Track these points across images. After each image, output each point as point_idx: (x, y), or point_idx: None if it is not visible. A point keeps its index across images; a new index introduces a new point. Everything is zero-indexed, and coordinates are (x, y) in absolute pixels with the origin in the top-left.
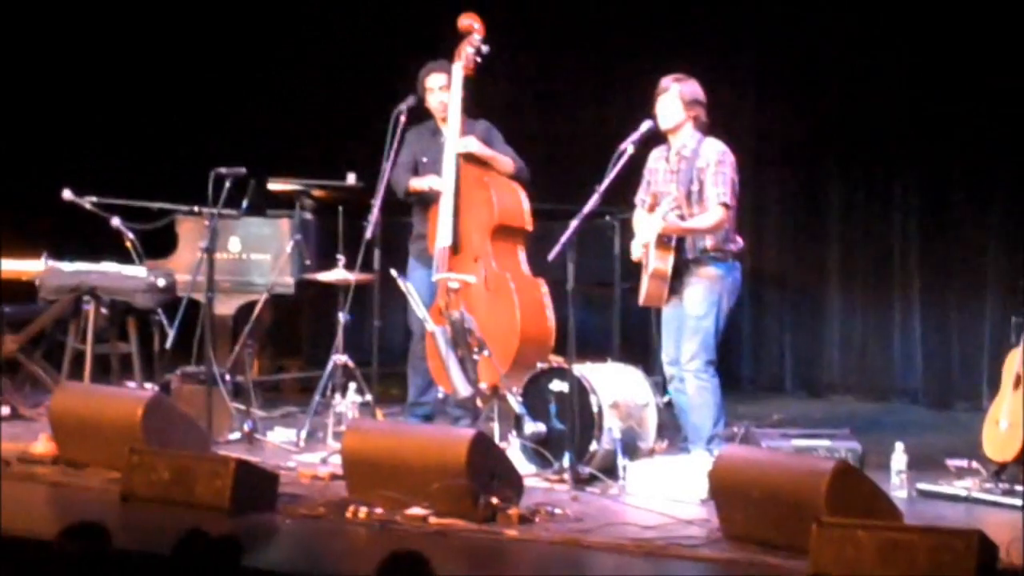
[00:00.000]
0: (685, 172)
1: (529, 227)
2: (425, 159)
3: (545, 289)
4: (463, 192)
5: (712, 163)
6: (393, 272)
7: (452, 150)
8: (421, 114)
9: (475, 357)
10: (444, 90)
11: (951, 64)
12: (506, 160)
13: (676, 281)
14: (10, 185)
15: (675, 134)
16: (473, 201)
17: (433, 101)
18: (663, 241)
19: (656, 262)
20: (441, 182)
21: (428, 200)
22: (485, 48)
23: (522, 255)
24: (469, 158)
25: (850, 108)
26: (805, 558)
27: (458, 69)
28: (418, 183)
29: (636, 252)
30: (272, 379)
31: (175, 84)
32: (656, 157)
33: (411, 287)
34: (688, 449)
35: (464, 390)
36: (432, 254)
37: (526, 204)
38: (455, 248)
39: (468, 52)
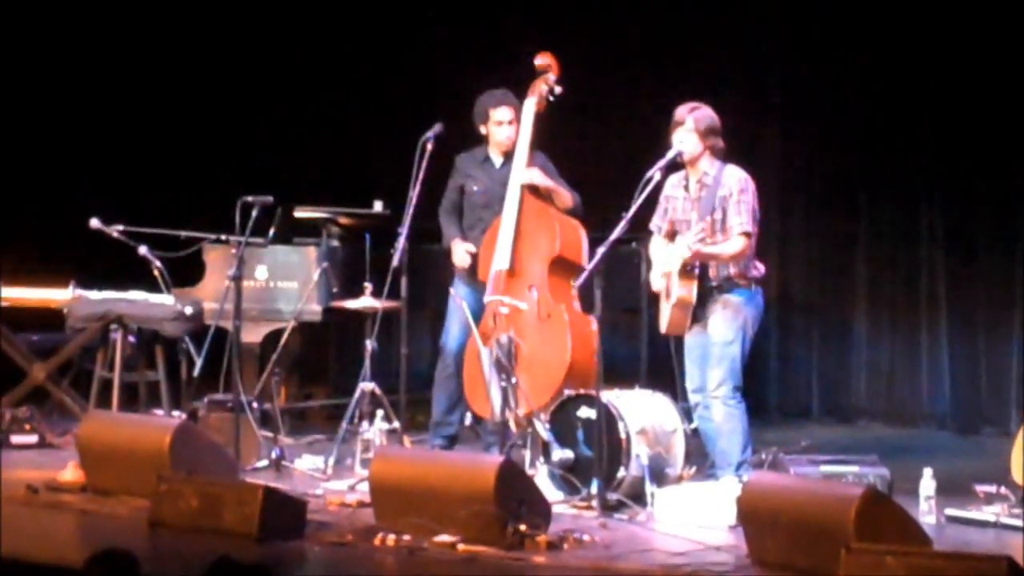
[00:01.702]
0: (707, 200)
1: (586, 264)
2: (476, 188)
3: (595, 327)
4: (524, 220)
5: (734, 192)
6: (452, 290)
7: (517, 180)
8: (450, 141)
9: (513, 381)
10: (511, 124)
11: (978, 90)
12: (566, 193)
13: (699, 309)
14: (38, 214)
15: (694, 164)
16: (535, 231)
17: (498, 132)
18: (687, 270)
19: (680, 290)
20: (466, 257)
21: (477, 226)
22: (558, 89)
23: (575, 290)
24: (532, 189)
25: (876, 134)
26: None
27: (530, 104)
28: (454, 253)
29: (656, 283)
30: (299, 406)
31: (203, 113)
32: (674, 184)
33: (465, 305)
34: (716, 476)
35: (501, 414)
36: (482, 277)
37: (585, 242)
38: (510, 273)
39: (542, 90)
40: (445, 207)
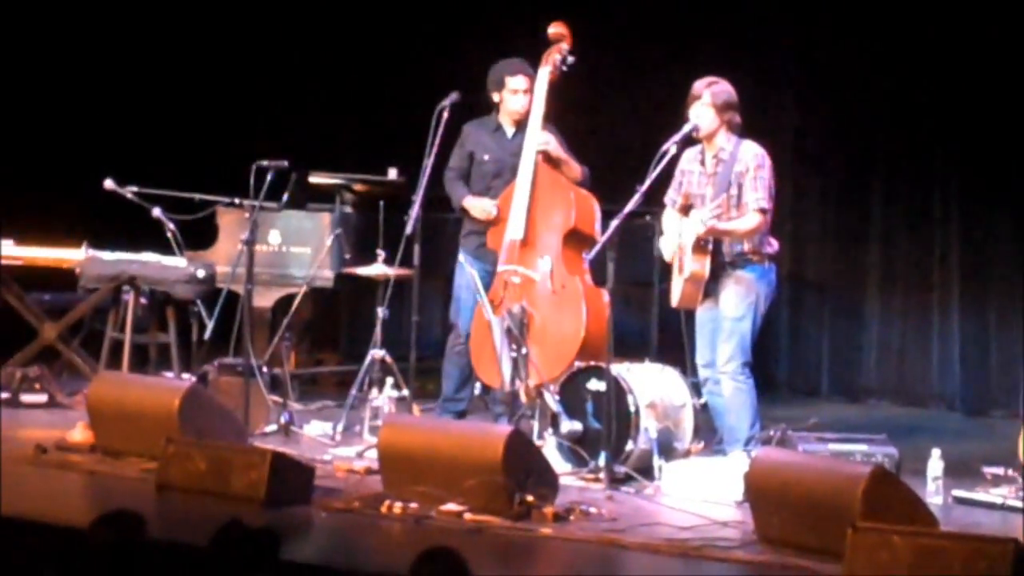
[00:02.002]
0: (723, 175)
1: (599, 237)
2: (487, 156)
3: (607, 300)
4: (538, 190)
5: (751, 167)
6: (461, 258)
7: (532, 147)
8: (464, 109)
9: (524, 352)
10: (527, 93)
11: (994, 69)
12: (575, 165)
13: (711, 283)
14: (52, 174)
15: (710, 139)
16: (550, 201)
17: (513, 100)
18: (700, 244)
19: (693, 265)
20: (493, 207)
21: (487, 195)
22: (571, 59)
23: (587, 263)
24: (546, 158)
25: (891, 112)
26: (840, 562)
27: (544, 74)
28: (473, 208)
29: (667, 252)
30: (309, 372)
31: (219, 76)
32: (690, 159)
33: (476, 274)
34: (724, 451)
35: (511, 384)
36: (491, 248)
37: (599, 215)
38: (523, 243)
39: (556, 59)
40: (452, 174)
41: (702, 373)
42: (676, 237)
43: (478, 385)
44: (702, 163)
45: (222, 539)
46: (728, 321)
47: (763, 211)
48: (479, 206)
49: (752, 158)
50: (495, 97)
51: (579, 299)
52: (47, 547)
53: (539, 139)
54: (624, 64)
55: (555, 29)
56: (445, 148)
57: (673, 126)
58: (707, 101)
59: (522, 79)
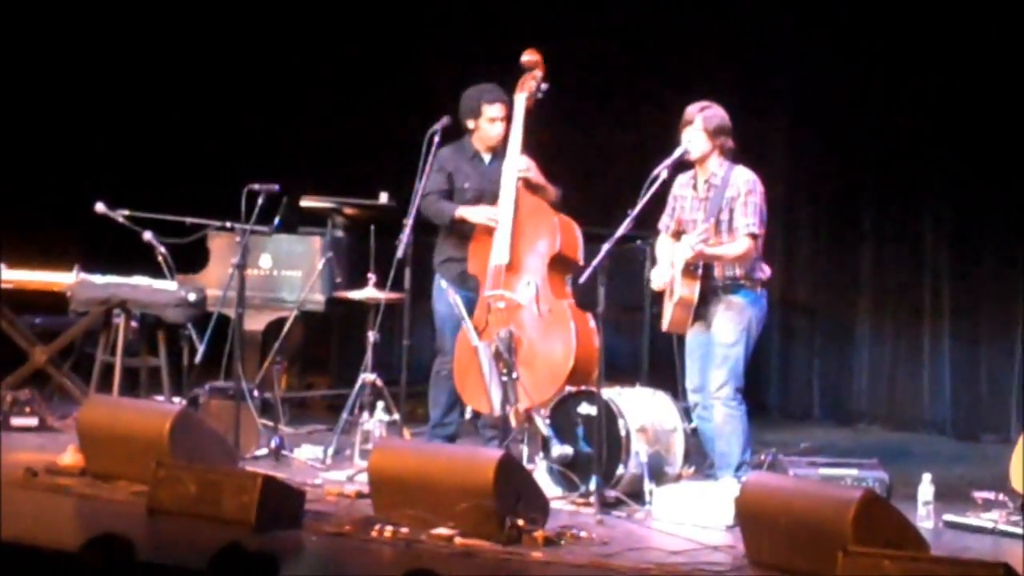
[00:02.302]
0: (714, 201)
1: (581, 262)
2: (467, 184)
3: (593, 324)
4: (520, 216)
5: (742, 193)
6: (443, 283)
7: (512, 174)
8: (454, 134)
9: (514, 376)
10: (503, 121)
11: (985, 95)
12: (551, 188)
13: (702, 308)
14: (43, 197)
15: (702, 164)
16: (533, 227)
17: (489, 128)
18: (690, 269)
19: (683, 289)
20: (496, 212)
21: (467, 225)
22: (545, 86)
23: (570, 287)
24: (526, 184)
25: (882, 138)
26: None
27: (521, 100)
28: (472, 214)
29: (657, 282)
30: (300, 396)
31: (210, 100)
32: (682, 184)
33: (459, 300)
34: (715, 476)
35: (500, 409)
36: (472, 274)
37: (581, 240)
38: (508, 268)
39: (531, 86)
40: (433, 196)
41: (692, 398)
42: (669, 268)
43: (469, 409)
44: (694, 188)
45: (221, 562)
46: (720, 347)
47: (754, 236)
48: (478, 213)
49: (744, 183)
50: (470, 124)
51: (567, 322)
52: (37, 571)
53: (519, 165)
54: (617, 88)
55: (528, 57)
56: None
57: (665, 150)
58: (699, 126)
59: (499, 107)
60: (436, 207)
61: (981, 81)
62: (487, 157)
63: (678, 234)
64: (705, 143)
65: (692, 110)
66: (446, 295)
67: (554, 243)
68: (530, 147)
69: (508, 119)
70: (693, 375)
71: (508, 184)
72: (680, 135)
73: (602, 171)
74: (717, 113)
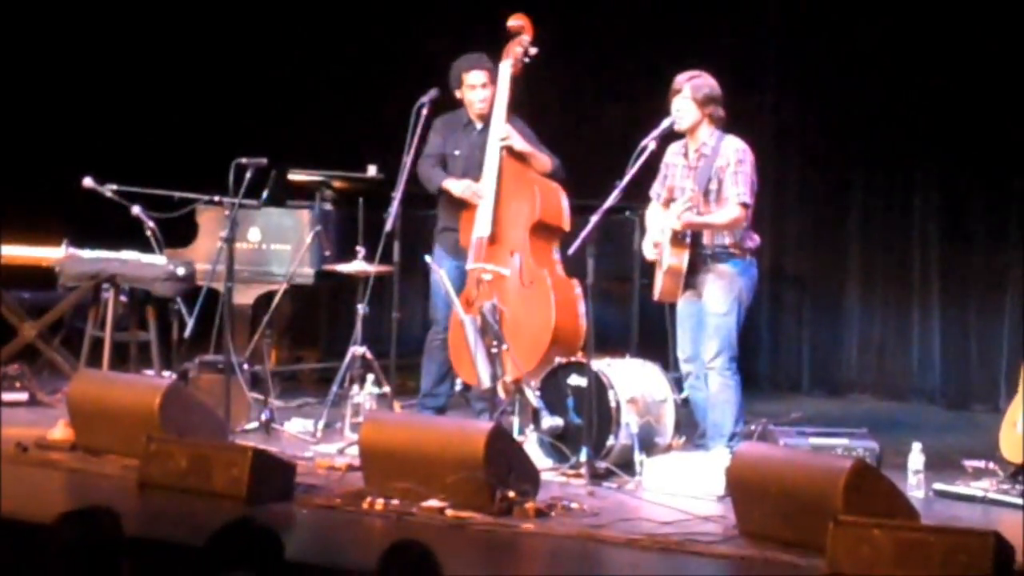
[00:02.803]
0: (704, 169)
1: (567, 227)
2: (457, 152)
3: (579, 291)
4: (504, 185)
5: (732, 162)
6: (428, 258)
7: (495, 143)
8: (444, 105)
9: (503, 348)
10: (485, 87)
11: (975, 66)
12: (543, 157)
13: (692, 276)
14: (31, 172)
15: (693, 133)
16: (515, 195)
17: (472, 96)
18: (678, 238)
19: (671, 258)
20: (479, 187)
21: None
22: (533, 50)
23: (557, 254)
24: (511, 152)
25: (871, 108)
26: (821, 556)
27: (506, 67)
28: (455, 187)
29: (649, 251)
30: (290, 369)
31: (197, 74)
32: (674, 152)
33: (444, 274)
34: (705, 446)
35: (488, 381)
36: (464, 245)
37: (566, 205)
38: (491, 239)
39: (517, 52)
40: (430, 160)
41: (684, 368)
42: (658, 234)
43: (459, 382)
44: (685, 156)
45: (225, 536)
46: (713, 317)
47: (744, 205)
48: (461, 186)
49: (733, 152)
50: (457, 94)
51: (547, 291)
52: (26, 545)
53: (500, 134)
54: (606, 58)
55: (515, 22)
56: (424, 145)
57: (655, 121)
58: (688, 95)
59: (477, 73)
60: (427, 172)
61: (971, 52)
62: (479, 125)
63: (669, 202)
64: (694, 112)
65: (681, 79)
66: (442, 262)
67: (534, 210)
68: (526, 115)
69: (492, 84)
70: (685, 344)
71: (491, 154)
72: (669, 104)
73: (591, 142)
74: (706, 82)
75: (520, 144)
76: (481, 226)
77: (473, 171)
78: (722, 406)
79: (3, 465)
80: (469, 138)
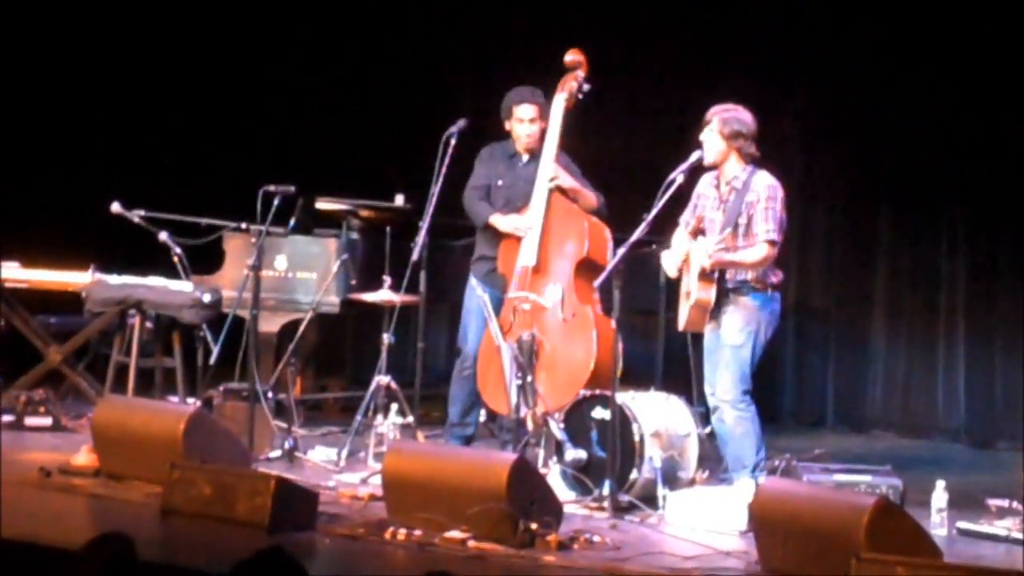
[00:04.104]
0: (734, 204)
1: (608, 265)
2: (501, 183)
3: (614, 327)
4: (552, 218)
5: (762, 198)
6: (473, 281)
7: (545, 179)
8: (476, 135)
9: (530, 380)
10: (533, 122)
11: (1002, 103)
12: (590, 195)
13: (714, 309)
14: (59, 197)
15: (722, 166)
16: (564, 230)
17: (520, 130)
18: (706, 273)
19: (700, 293)
20: (525, 222)
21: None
22: (587, 86)
23: (596, 292)
24: (559, 188)
25: (899, 144)
26: None
27: (560, 101)
28: (502, 224)
29: (671, 267)
30: (314, 398)
31: (227, 101)
32: (707, 183)
33: (487, 298)
34: (729, 480)
35: (520, 411)
36: (501, 273)
37: (611, 244)
38: (535, 270)
39: (572, 86)
40: (476, 193)
41: (711, 401)
42: (681, 251)
43: (483, 412)
44: (717, 188)
45: (255, 565)
46: (727, 349)
47: (772, 243)
48: (508, 223)
49: (764, 188)
50: (506, 126)
51: (590, 328)
52: (49, 570)
53: (549, 174)
54: (635, 92)
55: (572, 57)
56: (452, 175)
57: (683, 154)
58: (715, 128)
59: (527, 108)
60: (473, 207)
61: (997, 87)
62: (525, 158)
63: (697, 232)
64: (720, 145)
65: (712, 111)
66: (474, 292)
67: (582, 247)
68: (574, 148)
69: (542, 119)
70: (711, 377)
71: (540, 187)
72: (700, 134)
73: (618, 176)
74: (736, 116)
75: (569, 182)
76: (527, 256)
77: (516, 201)
78: (740, 439)
79: (27, 490)
80: (514, 170)
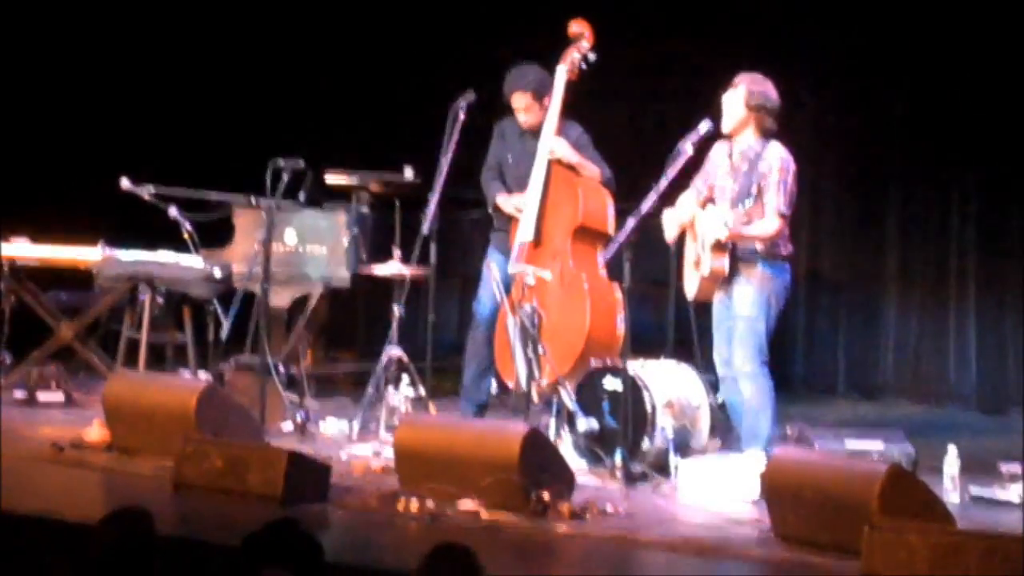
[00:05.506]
0: (747, 174)
1: (612, 232)
2: (510, 157)
3: (619, 295)
4: (551, 190)
5: (775, 169)
6: (488, 259)
7: (544, 152)
8: (480, 108)
9: (538, 351)
10: (528, 110)
11: (1014, 70)
12: (593, 168)
13: (725, 279)
14: (69, 173)
15: (736, 135)
16: (560, 199)
17: (516, 115)
18: (721, 244)
19: (713, 262)
20: (520, 201)
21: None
22: (592, 56)
23: (600, 258)
24: (558, 164)
25: (910, 112)
26: (856, 560)
27: (562, 72)
28: (505, 205)
29: (671, 228)
30: (326, 371)
31: (235, 75)
32: (720, 151)
33: (497, 274)
34: (740, 449)
35: (526, 383)
36: (512, 246)
37: (611, 209)
38: (536, 243)
39: (575, 57)
40: (490, 174)
41: (720, 371)
42: (686, 215)
43: (494, 384)
44: (730, 156)
45: (273, 534)
46: (743, 321)
47: (782, 216)
48: (511, 203)
49: (778, 160)
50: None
51: (583, 295)
52: (63, 544)
53: (550, 146)
54: (643, 64)
55: (576, 27)
56: (461, 147)
57: (693, 124)
58: (741, 96)
59: (518, 97)
60: (487, 189)
61: (1008, 58)
62: (531, 133)
63: (708, 200)
64: (741, 112)
65: (741, 77)
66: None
67: (576, 215)
68: (583, 120)
69: (537, 101)
70: (721, 347)
71: (540, 161)
72: (719, 99)
73: (628, 147)
74: (764, 90)
75: (568, 154)
76: (524, 231)
77: (523, 178)
78: (757, 411)
79: (39, 465)
80: (523, 145)
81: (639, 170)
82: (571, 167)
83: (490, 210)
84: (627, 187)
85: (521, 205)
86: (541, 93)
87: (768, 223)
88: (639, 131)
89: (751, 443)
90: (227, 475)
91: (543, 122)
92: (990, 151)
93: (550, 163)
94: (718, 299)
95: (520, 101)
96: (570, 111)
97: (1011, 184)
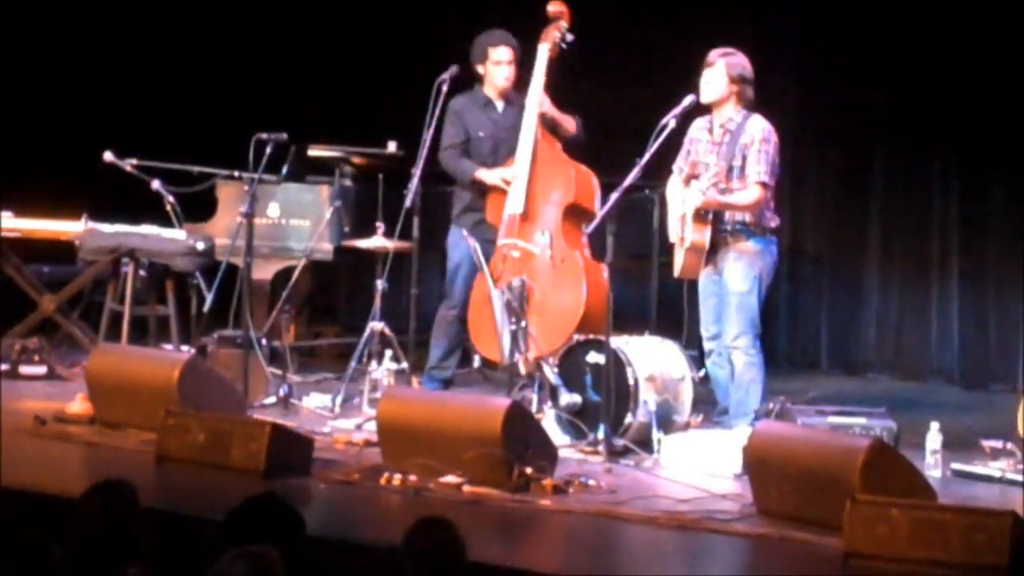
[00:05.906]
0: (728, 146)
1: (598, 212)
2: (481, 133)
3: (606, 274)
4: (538, 165)
5: (756, 140)
6: (463, 232)
7: (530, 124)
8: (464, 84)
9: (523, 325)
10: (510, 64)
11: (995, 43)
12: (569, 119)
13: (712, 254)
14: (52, 146)
15: (718, 108)
16: (550, 176)
17: (496, 72)
18: (701, 215)
19: (694, 235)
20: (510, 172)
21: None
22: (570, 36)
23: (586, 237)
24: (544, 125)
25: (892, 86)
26: (838, 535)
27: (543, 50)
28: (488, 177)
29: (673, 230)
30: (308, 344)
31: (218, 48)
32: (699, 127)
33: (478, 247)
34: (723, 424)
35: (511, 357)
36: (490, 222)
37: (598, 189)
38: (523, 217)
39: (555, 36)
40: (453, 152)
41: (707, 345)
42: (680, 207)
43: (476, 358)
44: (710, 131)
45: (250, 510)
46: (735, 295)
47: (764, 185)
48: (494, 176)
49: (759, 131)
50: (479, 70)
51: (579, 273)
52: (45, 518)
53: (536, 101)
54: (625, 38)
55: (554, 7)
56: (444, 121)
57: (675, 100)
58: (720, 70)
59: (504, 50)
60: (456, 164)
61: (991, 33)
62: (500, 105)
63: (691, 178)
64: (724, 87)
65: (715, 54)
66: (463, 242)
67: (569, 193)
68: (567, 96)
69: (516, 63)
70: (708, 322)
71: (527, 135)
72: (700, 75)
73: (610, 121)
74: (739, 61)
75: (551, 110)
76: (514, 203)
77: (501, 151)
78: (747, 385)
79: (22, 438)
80: (491, 118)
81: (622, 145)
82: (554, 125)
83: (460, 189)
84: (609, 162)
85: (509, 176)
86: (518, 55)
87: (749, 192)
88: (621, 106)
89: (739, 416)
90: (210, 448)
91: (512, 90)
92: (972, 126)
93: (537, 136)
94: (705, 274)
95: (506, 54)
96: (553, 89)
97: (993, 159)
